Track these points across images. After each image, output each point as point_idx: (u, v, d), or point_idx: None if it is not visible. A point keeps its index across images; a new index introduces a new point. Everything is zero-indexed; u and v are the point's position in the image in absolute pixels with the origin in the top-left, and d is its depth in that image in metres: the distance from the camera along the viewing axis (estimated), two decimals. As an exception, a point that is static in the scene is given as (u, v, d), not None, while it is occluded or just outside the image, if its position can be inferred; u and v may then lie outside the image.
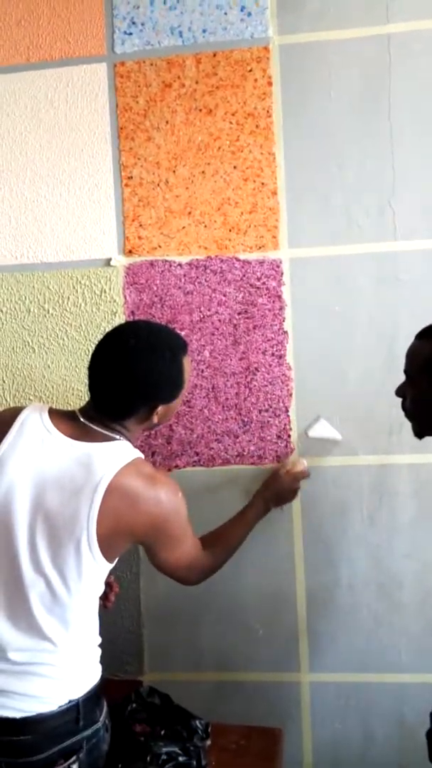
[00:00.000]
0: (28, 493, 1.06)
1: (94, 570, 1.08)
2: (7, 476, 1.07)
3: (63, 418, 1.14)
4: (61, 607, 1.07)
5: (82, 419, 1.13)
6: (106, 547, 1.07)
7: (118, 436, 1.13)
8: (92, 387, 1.15)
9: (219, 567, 1.30)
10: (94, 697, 1.13)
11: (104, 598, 1.27)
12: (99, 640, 1.16)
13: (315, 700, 1.58)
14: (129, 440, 1.15)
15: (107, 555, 1.08)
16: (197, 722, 1.33)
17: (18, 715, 1.06)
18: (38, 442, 1.09)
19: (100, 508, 1.04)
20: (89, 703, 1.12)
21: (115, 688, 1.41)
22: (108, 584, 1.24)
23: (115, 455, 1.09)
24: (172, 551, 1.16)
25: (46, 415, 1.12)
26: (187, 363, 1.20)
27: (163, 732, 1.30)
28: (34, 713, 1.07)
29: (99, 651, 1.17)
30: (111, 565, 1.11)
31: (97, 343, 1.18)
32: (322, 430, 1.53)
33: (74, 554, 1.05)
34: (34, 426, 1.11)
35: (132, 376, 1.11)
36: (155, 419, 1.16)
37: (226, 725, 1.44)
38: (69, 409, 1.21)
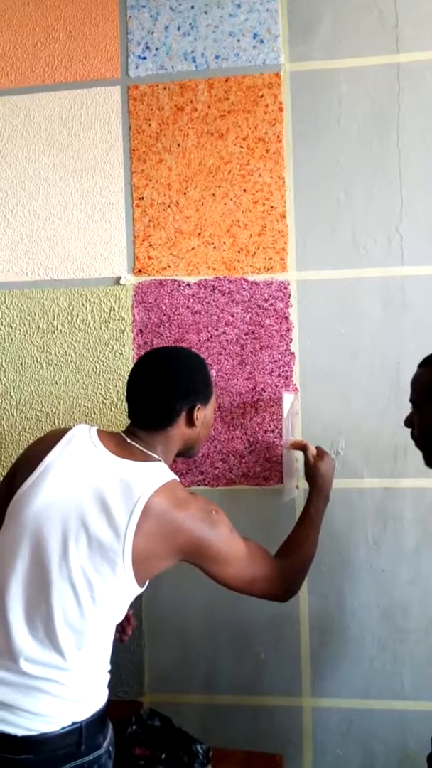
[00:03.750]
0: (69, 501, 1.09)
1: (122, 588, 1.09)
2: (50, 482, 1.11)
3: (109, 436, 1.19)
4: (82, 620, 1.07)
5: (126, 438, 1.19)
6: (139, 565, 1.08)
7: (157, 456, 1.17)
8: (132, 396, 1.22)
9: (300, 570, 1.28)
10: (98, 721, 1.12)
11: (121, 630, 1.28)
12: (109, 666, 1.16)
13: (317, 726, 1.56)
14: (165, 463, 1.19)
15: (138, 574, 1.09)
16: (198, 746, 1.32)
17: (20, 732, 1.05)
18: (85, 454, 1.14)
19: (136, 527, 1.07)
20: (92, 728, 1.10)
21: (115, 709, 1.39)
22: (126, 617, 1.25)
23: (152, 475, 1.12)
24: (223, 568, 1.16)
25: (94, 432, 1.18)
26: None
27: (163, 756, 1.29)
28: (36, 732, 1.06)
29: (108, 677, 1.16)
30: (139, 590, 1.12)
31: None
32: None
33: (107, 566, 1.07)
34: (82, 440, 1.17)
35: (170, 373, 1.20)
36: (197, 422, 1.20)
37: (227, 750, 1.43)
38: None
